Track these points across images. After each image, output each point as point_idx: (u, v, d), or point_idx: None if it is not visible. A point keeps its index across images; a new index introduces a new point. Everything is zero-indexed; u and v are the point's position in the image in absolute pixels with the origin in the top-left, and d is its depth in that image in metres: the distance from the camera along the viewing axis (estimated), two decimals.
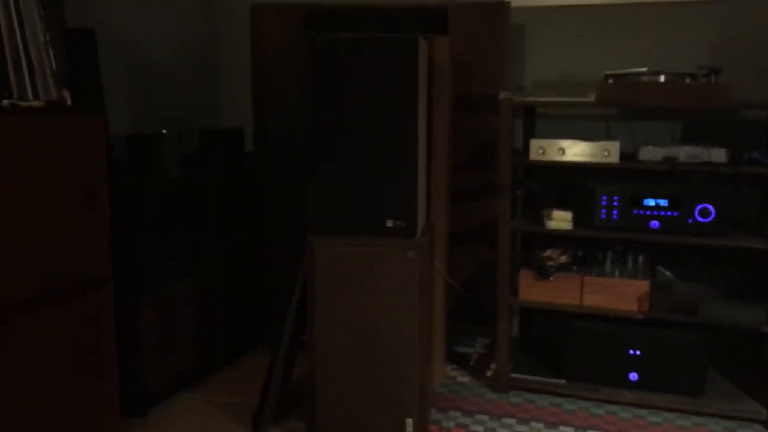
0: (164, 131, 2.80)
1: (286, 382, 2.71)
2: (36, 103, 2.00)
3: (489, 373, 3.09)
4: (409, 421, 2.40)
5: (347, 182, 2.37)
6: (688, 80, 2.66)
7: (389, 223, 2.36)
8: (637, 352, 2.73)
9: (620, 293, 2.73)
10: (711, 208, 2.58)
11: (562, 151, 2.73)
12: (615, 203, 2.69)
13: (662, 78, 2.67)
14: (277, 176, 3.25)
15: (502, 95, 2.79)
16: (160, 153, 2.75)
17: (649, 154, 2.64)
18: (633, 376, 2.75)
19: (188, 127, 3.24)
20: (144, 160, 2.73)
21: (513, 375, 2.92)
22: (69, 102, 2.11)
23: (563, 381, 2.85)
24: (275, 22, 3.24)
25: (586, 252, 2.96)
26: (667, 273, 2.98)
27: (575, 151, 2.72)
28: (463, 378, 3.07)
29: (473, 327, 3.46)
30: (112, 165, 2.32)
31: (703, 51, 3.07)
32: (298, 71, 3.11)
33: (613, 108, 3.16)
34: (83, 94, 2.34)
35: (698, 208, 2.60)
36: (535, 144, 2.77)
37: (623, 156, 2.71)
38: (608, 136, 3.17)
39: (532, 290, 2.85)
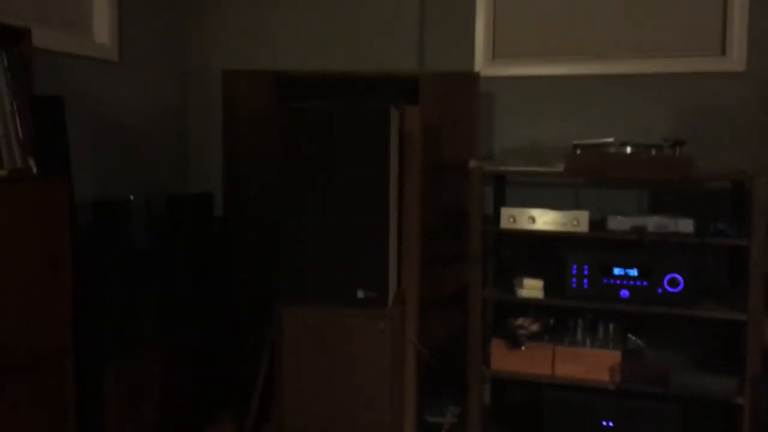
0: (132, 197, 2.76)
1: None
2: (0, 172, 1.96)
3: None
4: None
5: (318, 250, 2.35)
6: (653, 152, 2.70)
7: (360, 294, 2.34)
8: (611, 423, 2.70)
9: (592, 363, 2.71)
10: (679, 278, 2.60)
11: (533, 219, 2.75)
12: (585, 272, 2.70)
13: (629, 149, 2.72)
14: (247, 241, 3.22)
15: (473, 164, 2.81)
16: (127, 219, 2.71)
17: (618, 223, 2.66)
18: None
19: (156, 192, 3.20)
20: (111, 227, 2.68)
21: None
22: (34, 170, 2.07)
23: None
24: (247, 88, 3.26)
25: (558, 320, 2.95)
26: (638, 341, 2.98)
27: (545, 219, 2.74)
28: None
29: (445, 395, 3.40)
30: (77, 232, 2.27)
31: (668, 121, 3.15)
32: (270, 137, 3.13)
33: (580, 177, 3.20)
34: (50, 161, 2.30)
35: (667, 278, 2.62)
36: (505, 212, 2.79)
37: (592, 225, 2.73)
38: (577, 204, 3.20)
39: (504, 360, 2.82)
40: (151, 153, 3.41)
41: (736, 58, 3.07)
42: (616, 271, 2.68)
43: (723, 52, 3.12)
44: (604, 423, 2.71)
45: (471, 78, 3.22)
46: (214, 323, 3.14)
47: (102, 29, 3.08)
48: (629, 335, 2.99)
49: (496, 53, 3.40)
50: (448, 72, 3.26)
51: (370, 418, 2.36)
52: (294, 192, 2.36)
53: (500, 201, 3.15)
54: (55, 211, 2.11)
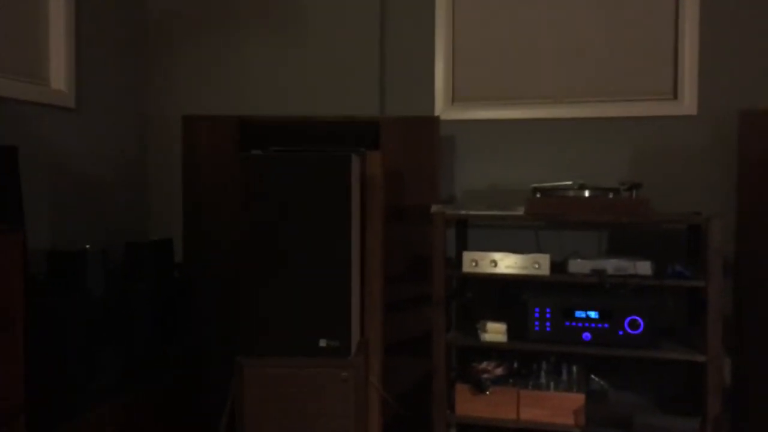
0: (88, 246, 2.70)
1: None
2: None
3: None
4: None
5: (278, 300, 2.32)
6: (611, 195, 2.75)
7: (322, 343, 2.31)
8: None
9: (556, 406, 2.71)
10: (639, 320, 2.63)
11: (494, 263, 2.76)
12: (548, 315, 2.71)
13: (587, 193, 2.76)
14: (208, 290, 3.17)
15: (434, 209, 2.83)
16: (83, 268, 2.65)
17: (578, 266, 2.69)
18: None
19: (115, 240, 3.14)
20: (66, 277, 2.61)
21: None
22: None
23: None
24: (208, 134, 3.23)
25: (522, 363, 2.95)
26: (601, 382, 2.99)
27: (507, 263, 2.75)
28: None
29: None
30: (31, 284, 2.21)
31: (624, 164, 3.21)
32: (231, 183, 3.10)
33: (540, 220, 3.24)
34: (2, 211, 2.25)
35: (627, 320, 2.64)
36: (467, 256, 2.79)
37: (554, 267, 2.75)
38: (538, 246, 3.23)
39: (469, 404, 2.80)
40: (109, 200, 3.36)
41: (687, 102, 3.16)
42: (578, 314, 2.69)
43: (675, 96, 3.21)
44: None
45: (431, 122, 3.25)
46: (175, 377, 3.07)
47: (59, 75, 3.04)
48: (592, 376, 3.01)
49: (455, 97, 3.45)
50: (408, 116, 3.29)
51: None
52: (254, 240, 2.34)
53: (462, 244, 3.16)
54: (6, 263, 2.04)
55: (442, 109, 3.40)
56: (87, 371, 2.57)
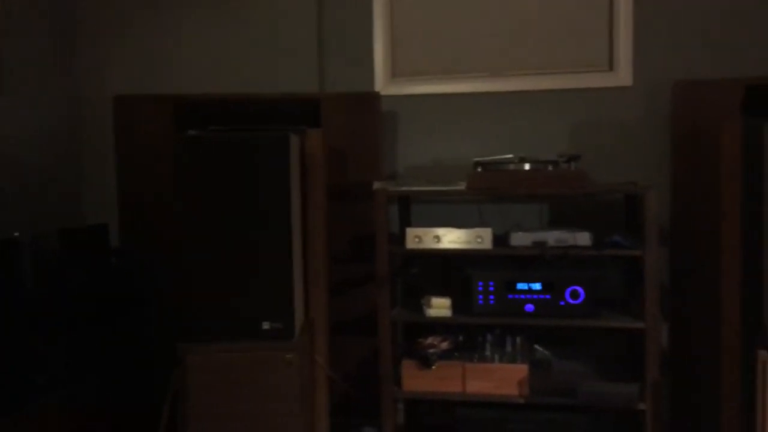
0: (17, 234, 2.59)
1: None
2: None
3: None
4: None
5: (220, 284, 2.28)
6: (550, 167, 2.77)
7: (265, 326, 2.28)
8: None
9: (501, 378, 2.74)
10: (580, 290, 2.67)
11: (438, 238, 2.76)
12: (491, 289, 2.73)
13: (527, 166, 2.78)
14: (147, 276, 3.09)
15: (377, 185, 2.81)
16: (13, 258, 2.54)
17: (520, 239, 2.71)
18: None
19: (47, 227, 3.03)
20: None
21: None
22: None
23: None
24: (142, 114, 3.14)
25: (467, 337, 2.97)
26: (545, 352, 3.04)
27: (450, 238, 2.76)
28: None
29: (360, 418, 3.36)
30: None
31: (563, 136, 3.24)
32: (168, 164, 3.01)
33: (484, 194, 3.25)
34: None
35: (568, 290, 2.68)
36: (410, 233, 2.79)
37: (496, 241, 2.77)
38: (480, 220, 3.24)
39: (416, 380, 2.81)
40: (39, 185, 3.23)
41: (623, 74, 3.20)
42: (520, 286, 2.72)
43: (611, 67, 3.24)
44: None
45: (372, 98, 3.22)
46: (114, 368, 2.99)
47: None
48: (536, 347, 3.05)
49: (396, 72, 3.42)
50: (349, 93, 3.25)
51: None
52: (192, 223, 2.28)
53: (405, 220, 3.15)
54: None
55: (383, 84, 3.37)
56: (19, 369, 2.48)
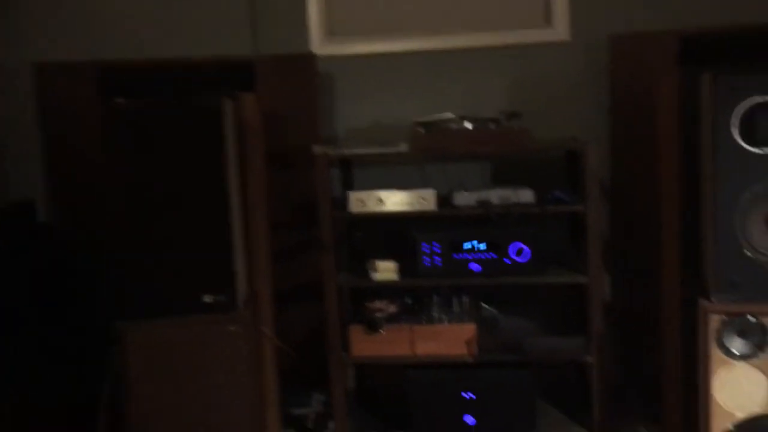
0: None
1: None
2: None
3: None
4: None
5: (156, 259, 2.19)
6: (492, 126, 2.75)
7: (207, 299, 2.20)
8: (472, 396, 2.75)
9: (449, 339, 2.75)
10: (525, 247, 2.68)
11: (381, 201, 2.72)
12: (436, 250, 2.71)
13: (469, 125, 2.75)
14: (78, 253, 2.95)
15: (317, 149, 2.74)
16: None
17: (464, 199, 2.69)
18: (470, 420, 2.77)
19: None
20: None
21: None
22: None
23: None
24: (63, 82, 2.96)
25: (414, 299, 2.96)
26: (492, 310, 3.05)
27: (394, 200, 2.72)
28: None
29: (309, 385, 3.34)
30: None
31: (502, 94, 3.21)
32: (93, 134, 2.86)
33: (427, 155, 3.21)
34: None
35: (514, 248, 2.68)
36: (353, 196, 2.74)
37: (440, 201, 2.74)
38: (423, 181, 3.21)
39: (364, 345, 2.79)
40: None
41: (560, 29, 3.18)
42: (466, 245, 2.71)
43: (548, 23, 3.22)
44: (466, 396, 2.76)
45: (308, 59, 3.12)
46: (48, 352, 2.87)
47: None
48: (483, 305, 3.06)
49: (332, 32, 3.32)
50: (284, 54, 3.14)
51: (231, 423, 2.25)
52: (124, 197, 2.17)
53: (347, 184, 3.09)
54: None
55: (319, 45, 3.27)
56: None
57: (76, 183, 2.96)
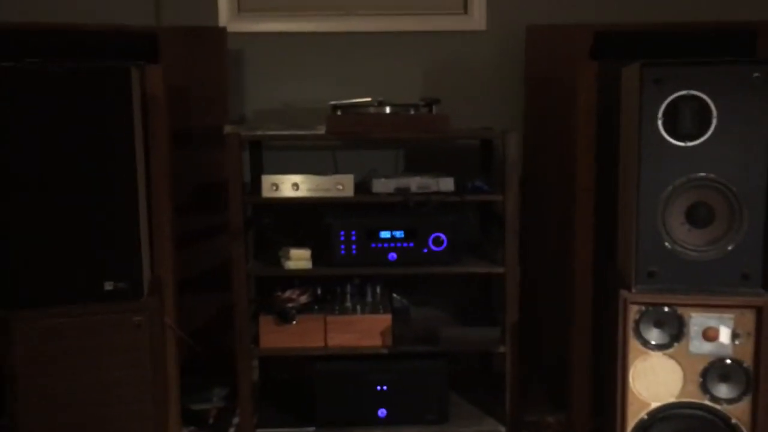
0: None
1: None
2: None
3: (232, 431, 2.82)
4: None
5: (50, 241, 1.97)
6: (412, 111, 2.68)
7: (108, 286, 2.01)
8: (384, 388, 2.68)
9: (364, 330, 2.66)
10: (443, 236, 2.63)
11: (296, 186, 2.59)
12: (353, 238, 2.62)
13: (388, 109, 2.67)
14: None
15: (228, 129, 2.57)
16: None
17: (382, 186, 2.61)
18: (382, 412, 2.69)
19: None
20: None
21: (258, 430, 2.69)
22: None
23: (312, 428, 2.70)
24: None
25: (325, 288, 2.85)
26: (403, 300, 3.00)
27: (309, 185, 2.60)
28: None
29: (208, 379, 3.16)
30: None
31: (419, 80, 3.16)
32: None
33: (339, 139, 3.11)
34: None
35: (431, 237, 2.63)
36: (267, 180, 2.59)
37: (357, 188, 2.65)
38: (336, 167, 3.11)
39: (274, 336, 2.66)
40: None
41: (476, 17, 3.16)
42: (383, 234, 2.63)
43: (465, 11, 3.19)
44: (379, 388, 2.68)
45: (217, 33, 2.94)
46: None
47: None
48: (394, 295, 2.99)
49: (242, 7, 3.14)
50: (190, 26, 2.94)
51: (132, 421, 2.07)
52: (11, 173, 1.93)
53: (257, 168, 2.94)
54: None
55: (228, 19, 3.08)
56: None
57: None
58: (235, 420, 2.86)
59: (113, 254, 2.01)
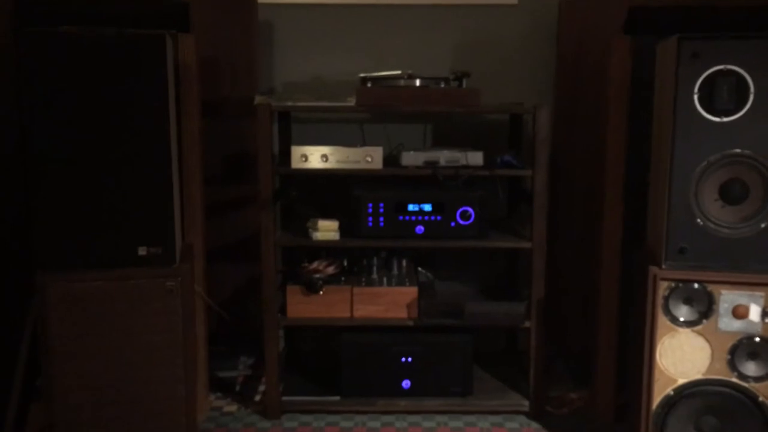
0: None
1: None
2: None
3: (258, 398, 2.86)
4: None
5: (86, 205, 2.00)
6: (442, 84, 2.67)
7: (142, 251, 2.03)
8: (409, 359, 2.71)
9: (390, 302, 2.68)
10: (471, 210, 2.63)
11: (326, 157, 2.60)
12: (381, 210, 2.63)
13: (418, 82, 2.66)
14: None
15: (259, 99, 2.58)
16: None
17: (411, 159, 2.61)
18: (406, 383, 2.72)
19: None
20: None
21: (284, 398, 2.73)
22: None
23: (337, 398, 2.73)
24: None
25: (352, 260, 2.87)
26: (428, 274, 3.01)
27: (338, 157, 2.60)
28: (230, 407, 2.81)
29: (235, 346, 3.21)
30: None
31: (448, 53, 3.14)
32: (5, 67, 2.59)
33: (368, 112, 3.11)
34: None
35: (459, 211, 2.63)
36: (296, 151, 2.60)
37: (385, 161, 2.65)
38: (363, 140, 3.11)
39: (301, 306, 2.68)
40: None
41: None
42: (411, 207, 2.63)
43: None
44: (403, 359, 2.71)
45: (247, 4, 2.94)
46: None
47: None
48: (419, 269, 3.01)
49: None
50: None
51: (162, 390, 2.11)
52: (49, 139, 1.96)
53: (286, 139, 2.95)
54: None
55: None
56: None
57: None
58: (261, 388, 2.90)
59: (147, 220, 2.04)
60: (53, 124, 1.97)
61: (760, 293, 2.06)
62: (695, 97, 2.00)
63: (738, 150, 2.01)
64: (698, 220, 2.06)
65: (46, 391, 2.01)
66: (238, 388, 2.96)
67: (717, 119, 2.00)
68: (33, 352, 2.16)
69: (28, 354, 2.18)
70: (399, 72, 2.71)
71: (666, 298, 2.11)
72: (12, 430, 2.19)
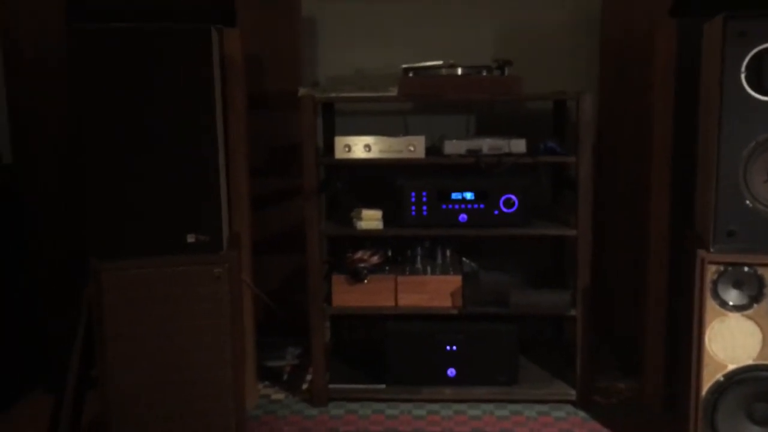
0: None
1: (75, 427, 2.32)
2: None
3: (305, 386, 2.91)
4: None
5: (136, 194, 2.06)
6: (484, 73, 2.67)
7: (190, 239, 2.09)
8: (454, 348, 2.71)
9: (434, 290, 2.69)
10: (514, 198, 2.62)
11: (368, 147, 2.62)
12: (424, 199, 2.64)
13: (460, 71, 2.66)
14: (46, 192, 2.77)
15: (302, 91, 2.62)
16: None
17: (454, 147, 2.61)
18: (451, 372, 2.73)
19: None
20: None
21: (331, 386, 2.77)
22: None
23: (383, 386, 2.75)
24: (28, 9, 2.75)
25: (396, 250, 2.89)
26: (472, 264, 3.00)
27: (381, 147, 2.62)
28: (278, 395, 2.86)
29: (282, 338, 3.25)
30: None
31: (488, 42, 3.13)
32: (60, 63, 2.68)
33: (409, 102, 3.13)
34: None
35: (503, 199, 2.62)
36: (340, 141, 2.63)
37: (428, 150, 2.66)
38: (406, 131, 3.13)
39: (346, 295, 2.72)
40: None
41: None
42: (454, 195, 2.64)
43: None
44: (448, 348, 2.71)
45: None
46: (10, 291, 2.72)
47: None
48: (463, 258, 3.00)
49: None
50: None
51: (210, 375, 2.16)
52: (98, 132, 2.03)
53: (330, 131, 2.99)
54: None
55: None
56: None
57: (44, 116, 2.76)
58: (308, 377, 2.94)
59: (195, 209, 2.09)
60: (104, 118, 2.04)
61: None
62: (742, 76, 1.97)
63: None
64: (747, 202, 2.02)
65: (99, 375, 2.07)
66: (285, 377, 3.01)
67: (765, 98, 1.96)
68: (88, 342, 2.24)
69: (83, 342, 2.26)
70: (441, 62, 2.72)
71: (714, 282, 2.07)
72: (70, 419, 2.27)
